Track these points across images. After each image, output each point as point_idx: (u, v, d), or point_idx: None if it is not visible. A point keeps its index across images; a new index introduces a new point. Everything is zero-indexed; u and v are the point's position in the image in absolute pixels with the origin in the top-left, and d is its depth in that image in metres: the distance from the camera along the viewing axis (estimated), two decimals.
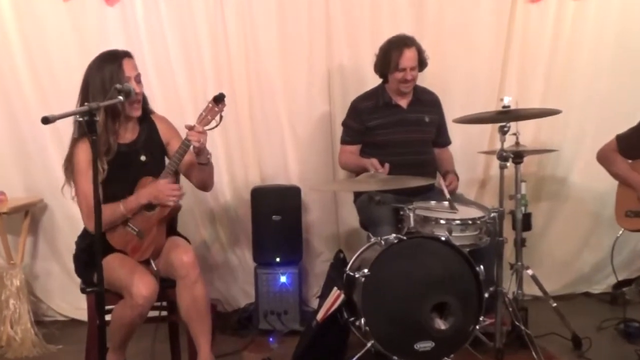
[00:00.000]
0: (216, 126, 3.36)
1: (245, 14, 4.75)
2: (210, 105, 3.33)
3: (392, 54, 4.26)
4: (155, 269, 3.37)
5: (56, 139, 4.62)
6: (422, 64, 4.35)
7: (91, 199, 2.79)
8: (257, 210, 4.55)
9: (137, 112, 3.46)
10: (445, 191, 3.95)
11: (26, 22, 4.66)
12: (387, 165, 3.97)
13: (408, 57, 4.24)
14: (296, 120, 4.92)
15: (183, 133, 3.37)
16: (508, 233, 3.97)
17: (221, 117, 3.35)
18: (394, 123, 4.35)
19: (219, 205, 4.90)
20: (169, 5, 4.69)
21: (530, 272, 4.13)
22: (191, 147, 3.33)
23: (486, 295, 3.49)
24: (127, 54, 3.42)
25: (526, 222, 4.16)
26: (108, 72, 3.31)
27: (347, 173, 4.78)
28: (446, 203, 3.87)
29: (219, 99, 3.32)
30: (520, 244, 4.05)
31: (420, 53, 4.32)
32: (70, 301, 4.83)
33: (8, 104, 4.74)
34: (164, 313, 3.58)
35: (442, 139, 4.59)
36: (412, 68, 4.27)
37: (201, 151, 3.37)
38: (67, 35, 4.68)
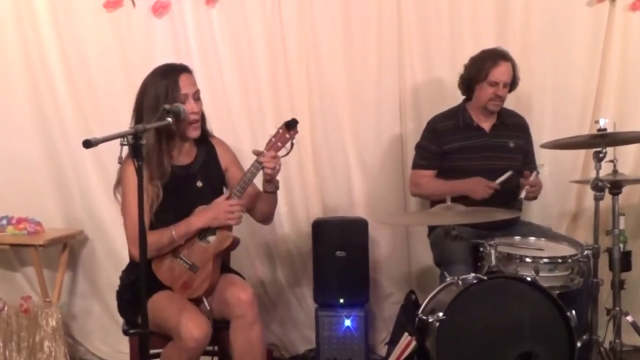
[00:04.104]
0: (287, 154, 3.46)
1: (306, 26, 4.82)
2: (281, 131, 3.43)
3: (486, 65, 4.27)
4: (208, 308, 3.43)
5: (98, 164, 4.76)
6: (514, 83, 4.36)
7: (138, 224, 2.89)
8: (318, 245, 4.57)
9: (195, 133, 3.55)
10: (524, 192, 4.10)
11: (65, 33, 4.80)
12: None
13: (503, 70, 4.26)
14: (363, 144, 4.94)
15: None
16: (604, 274, 3.96)
17: (292, 145, 3.46)
18: (475, 148, 4.36)
19: (276, 239, 4.94)
20: (222, 18, 4.80)
21: (630, 318, 4.08)
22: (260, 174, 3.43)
23: (579, 344, 3.49)
24: (185, 69, 3.54)
25: (625, 262, 4.11)
26: (163, 88, 3.41)
27: (422, 204, 4.81)
28: (532, 239, 3.91)
29: (291, 125, 3.42)
30: (618, 286, 3.99)
31: (514, 70, 4.33)
32: (111, 344, 4.91)
33: (45, 124, 4.87)
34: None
35: (528, 168, 4.50)
36: (505, 84, 4.28)
37: (273, 178, 3.49)
38: (109, 48, 4.82)
